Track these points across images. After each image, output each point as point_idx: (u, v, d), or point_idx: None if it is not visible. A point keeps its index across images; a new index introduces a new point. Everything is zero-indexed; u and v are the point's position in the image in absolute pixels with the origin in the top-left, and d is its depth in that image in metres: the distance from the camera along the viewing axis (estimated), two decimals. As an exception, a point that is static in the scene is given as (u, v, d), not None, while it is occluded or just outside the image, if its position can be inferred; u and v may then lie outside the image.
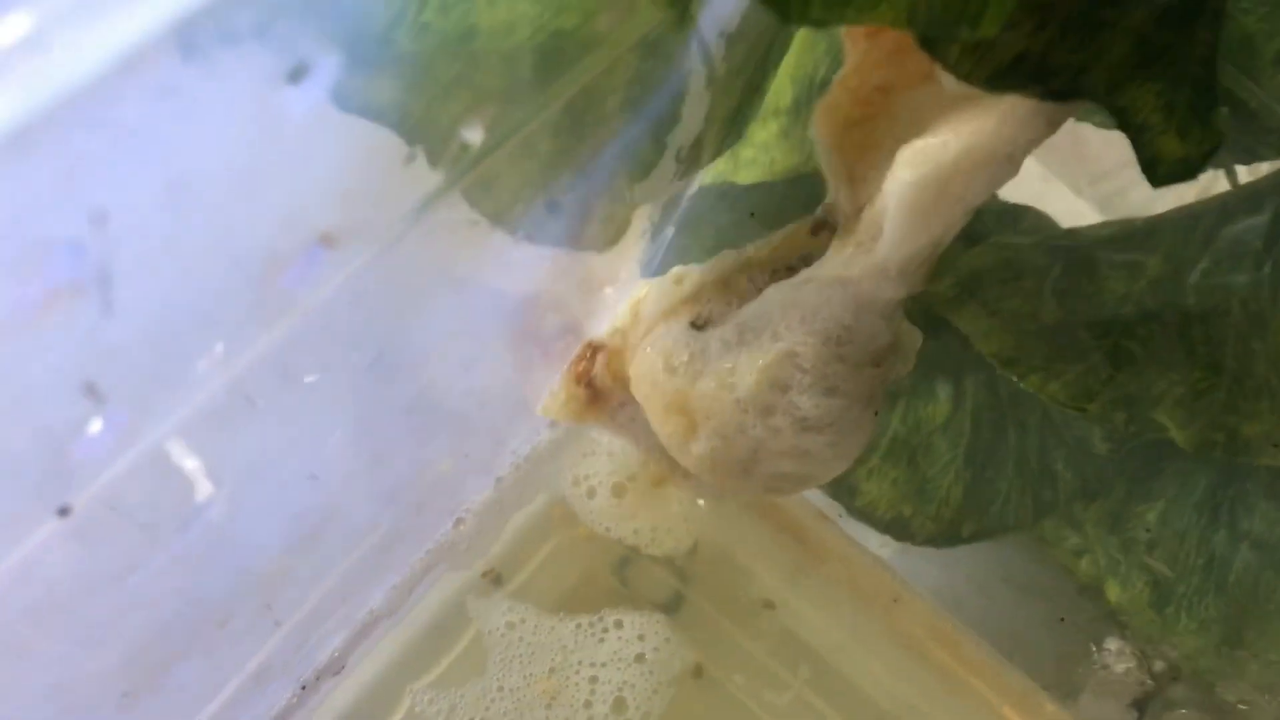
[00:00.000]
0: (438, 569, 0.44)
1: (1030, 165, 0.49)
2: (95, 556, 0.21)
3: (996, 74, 0.24)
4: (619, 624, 0.44)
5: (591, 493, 0.46)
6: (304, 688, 0.41)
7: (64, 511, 0.17)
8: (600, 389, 0.43)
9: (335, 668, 0.42)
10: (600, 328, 0.43)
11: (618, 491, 0.46)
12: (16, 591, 0.20)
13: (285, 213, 0.17)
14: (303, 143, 0.17)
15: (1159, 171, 0.26)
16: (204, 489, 0.24)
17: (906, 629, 0.48)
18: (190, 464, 0.22)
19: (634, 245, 0.38)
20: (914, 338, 0.34)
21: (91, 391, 0.16)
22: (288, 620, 0.34)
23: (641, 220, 0.37)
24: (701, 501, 0.47)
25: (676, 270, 0.41)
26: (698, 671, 0.45)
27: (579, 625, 0.44)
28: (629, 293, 0.43)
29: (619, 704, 0.43)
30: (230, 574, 0.27)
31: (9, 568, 0.18)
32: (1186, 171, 0.26)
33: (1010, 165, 0.28)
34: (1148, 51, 0.24)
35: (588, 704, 0.42)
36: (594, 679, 0.43)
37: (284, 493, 0.30)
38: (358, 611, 0.41)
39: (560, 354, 0.42)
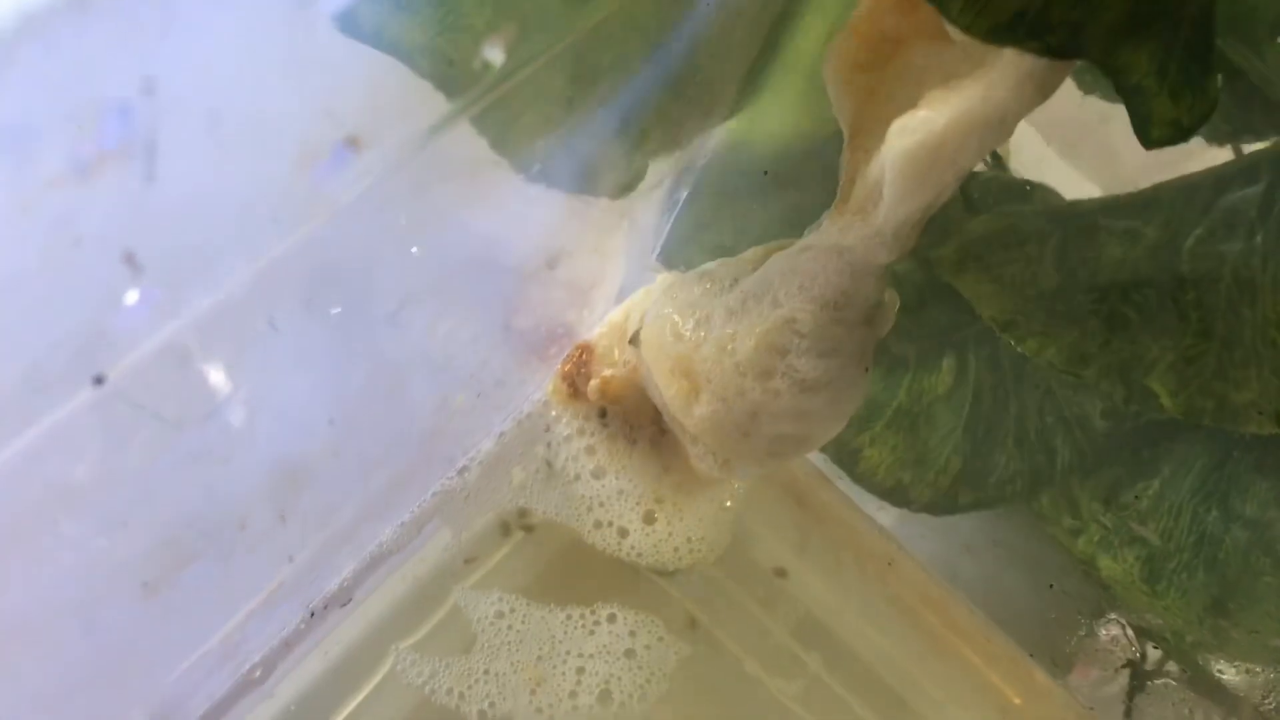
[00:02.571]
0: (443, 514, 0.45)
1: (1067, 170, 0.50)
2: (121, 438, 0.22)
3: (997, 27, 0.25)
4: (612, 618, 0.44)
5: (623, 532, 0.45)
6: (313, 614, 0.42)
7: (99, 380, 0.19)
8: (580, 391, 0.44)
9: (343, 598, 0.43)
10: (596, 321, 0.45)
11: (649, 519, 0.45)
12: (49, 461, 0.21)
13: (316, 109, 0.18)
14: (335, 46, 0.18)
15: (1151, 134, 0.27)
16: (225, 389, 0.25)
17: (900, 592, 0.49)
18: (215, 361, 0.24)
19: (642, 198, 0.39)
20: (894, 297, 0.35)
21: (131, 260, 0.17)
22: (302, 538, 0.35)
23: (655, 173, 0.38)
24: (729, 502, 0.47)
25: (664, 276, 0.43)
26: (692, 624, 0.46)
27: (569, 616, 0.44)
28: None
29: (604, 695, 0.43)
30: (247, 477, 0.29)
31: (44, 430, 0.19)
32: (1178, 135, 0.27)
33: (1001, 130, 0.29)
34: (1142, 13, 0.25)
35: (573, 694, 0.43)
36: (581, 669, 0.43)
37: (301, 410, 0.32)
38: (368, 543, 0.43)
39: (558, 324, 0.43)
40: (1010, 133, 0.30)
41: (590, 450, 0.45)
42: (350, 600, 0.43)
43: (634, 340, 0.41)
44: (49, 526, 0.23)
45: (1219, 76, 0.27)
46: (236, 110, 0.17)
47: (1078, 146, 0.54)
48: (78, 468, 0.22)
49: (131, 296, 0.18)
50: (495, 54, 0.22)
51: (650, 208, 0.42)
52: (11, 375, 0.18)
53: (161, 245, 0.17)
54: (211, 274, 0.20)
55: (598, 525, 0.45)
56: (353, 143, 0.19)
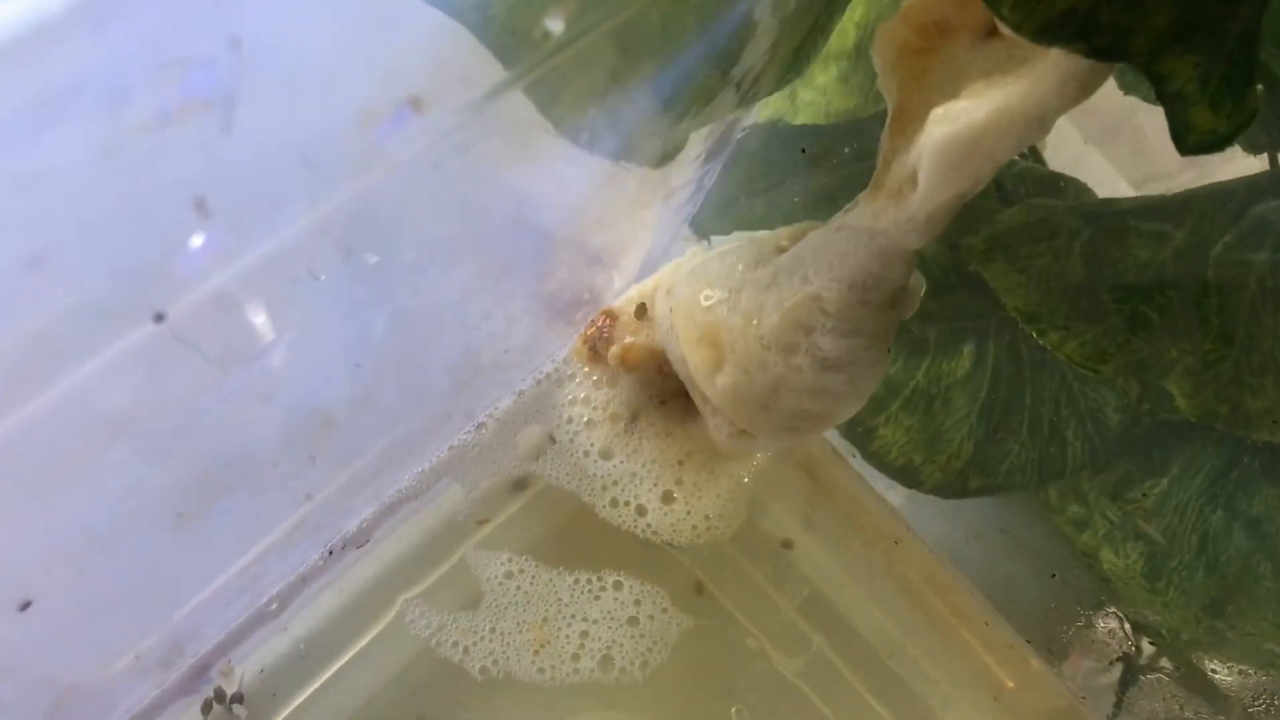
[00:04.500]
0: (459, 466, 0.46)
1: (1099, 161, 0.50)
2: (171, 373, 0.23)
3: (1045, 26, 0.25)
4: (618, 585, 0.45)
5: (641, 510, 0.45)
6: (330, 552, 0.43)
7: (160, 317, 0.20)
8: (601, 356, 0.45)
9: (360, 539, 0.44)
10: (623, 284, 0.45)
11: (667, 499, 0.46)
12: (102, 393, 0.22)
13: (384, 70, 0.19)
14: (405, 11, 0.19)
15: (1188, 141, 0.27)
16: (269, 333, 0.26)
17: (904, 571, 0.49)
18: (263, 306, 0.25)
19: (679, 168, 0.39)
20: (919, 282, 0.36)
21: (202, 206, 0.17)
22: (327, 479, 0.36)
23: (696, 144, 0.38)
24: (746, 479, 0.48)
25: (693, 250, 0.43)
26: (698, 590, 0.47)
27: (576, 581, 0.44)
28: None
29: (606, 660, 0.43)
30: (283, 418, 0.29)
31: (103, 362, 0.20)
32: (1214, 144, 0.27)
33: (1041, 127, 0.29)
34: (1190, 22, 0.25)
35: (575, 657, 0.43)
36: (585, 634, 0.44)
37: (336, 357, 0.33)
38: (387, 489, 0.44)
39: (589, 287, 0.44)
40: (1049, 129, 0.30)
41: (596, 423, 0.46)
42: (368, 542, 0.44)
43: (640, 313, 0.42)
44: (98, 454, 0.24)
45: (1259, 88, 0.28)
46: (311, 68, 0.17)
47: (1111, 138, 0.54)
48: (129, 399, 0.23)
49: (198, 240, 0.18)
50: (556, 25, 0.23)
51: (686, 178, 0.43)
52: (78, 309, 0.18)
53: (231, 193, 0.18)
54: (271, 222, 0.20)
55: (614, 504, 0.46)
56: (415, 103, 0.20)
